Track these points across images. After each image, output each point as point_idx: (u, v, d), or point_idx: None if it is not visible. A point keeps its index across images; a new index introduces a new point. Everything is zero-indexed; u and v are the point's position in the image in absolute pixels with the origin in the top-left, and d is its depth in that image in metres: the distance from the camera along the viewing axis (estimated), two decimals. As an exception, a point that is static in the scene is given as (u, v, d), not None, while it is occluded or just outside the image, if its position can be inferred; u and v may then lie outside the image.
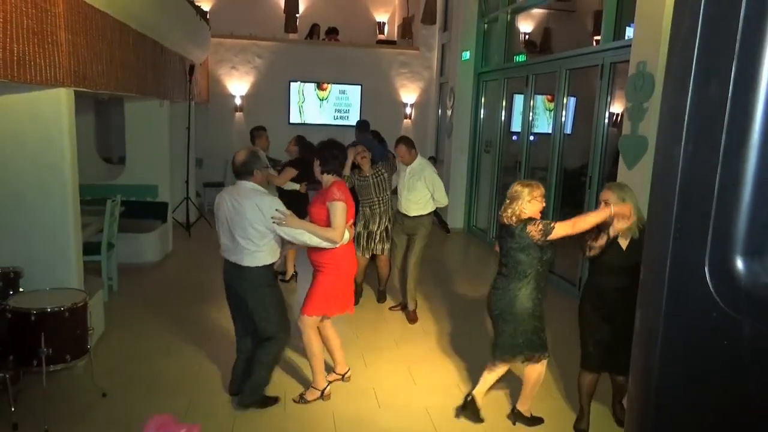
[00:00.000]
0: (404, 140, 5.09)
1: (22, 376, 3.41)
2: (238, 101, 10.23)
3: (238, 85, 10.20)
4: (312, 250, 3.47)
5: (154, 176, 6.89)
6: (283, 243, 3.47)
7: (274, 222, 3.19)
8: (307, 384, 3.75)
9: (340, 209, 3.30)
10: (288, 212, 3.25)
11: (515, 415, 3.52)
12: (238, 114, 10.27)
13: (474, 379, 4.06)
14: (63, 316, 3.28)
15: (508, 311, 3.20)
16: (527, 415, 3.51)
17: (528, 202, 3.14)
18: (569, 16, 10.40)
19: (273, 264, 3.37)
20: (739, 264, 0.89)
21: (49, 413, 3.23)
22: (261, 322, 3.37)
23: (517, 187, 3.21)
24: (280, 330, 3.43)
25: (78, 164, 3.97)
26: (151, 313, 5.08)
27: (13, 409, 3.15)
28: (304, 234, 3.27)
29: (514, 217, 3.15)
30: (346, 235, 3.41)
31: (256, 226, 3.20)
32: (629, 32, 5.29)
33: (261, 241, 3.24)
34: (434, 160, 9.72)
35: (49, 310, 3.23)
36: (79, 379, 3.73)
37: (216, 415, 3.46)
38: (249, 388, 3.47)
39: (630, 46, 4.73)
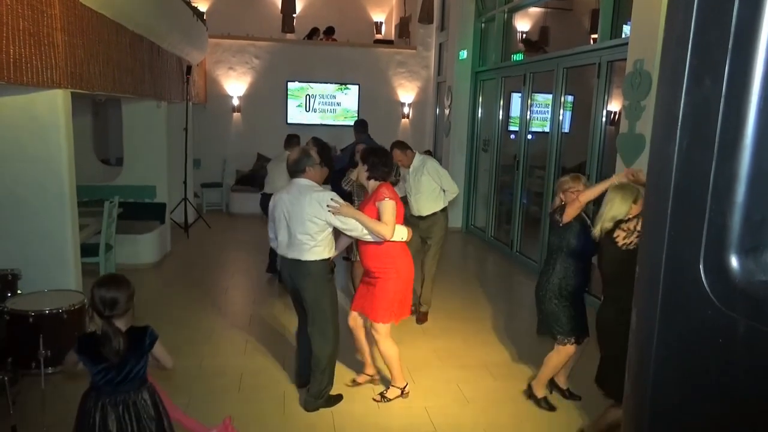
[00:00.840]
0: (396, 145, 4.97)
1: (21, 379, 3.40)
2: (235, 102, 10.22)
3: (235, 85, 10.19)
4: (370, 256, 3.54)
5: (152, 177, 6.87)
6: (337, 238, 3.57)
7: (329, 210, 3.26)
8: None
9: (389, 206, 3.41)
10: (343, 202, 3.33)
11: (528, 391, 3.72)
12: (236, 114, 10.26)
13: (473, 379, 4.07)
14: (61, 318, 3.28)
15: (538, 288, 3.54)
16: (538, 396, 3.64)
17: (563, 192, 3.47)
18: (566, 14, 10.43)
19: (330, 258, 3.46)
20: (734, 262, 0.89)
21: (48, 415, 3.22)
22: (318, 314, 3.44)
23: (561, 178, 3.60)
24: (332, 327, 3.49)
25: (75, 166, 3.97)
26: (149, 314, 5.05)
27: (11, 411, 3.14)
28: (358, 225, 3.34)
29: (554, 205, 3.56)
30: (405, 233, 3.47)
31: (316, 221, 3.27)
32: (626, 30, 5.30)
33: (319, 236, 3.32)
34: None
35: (47, 311, 3.24)
36: (78, 381, 3.72)
37: (215, 416, 3.45)
38: (313, 396, 3.54)
39: (627, 44, 4.74)
